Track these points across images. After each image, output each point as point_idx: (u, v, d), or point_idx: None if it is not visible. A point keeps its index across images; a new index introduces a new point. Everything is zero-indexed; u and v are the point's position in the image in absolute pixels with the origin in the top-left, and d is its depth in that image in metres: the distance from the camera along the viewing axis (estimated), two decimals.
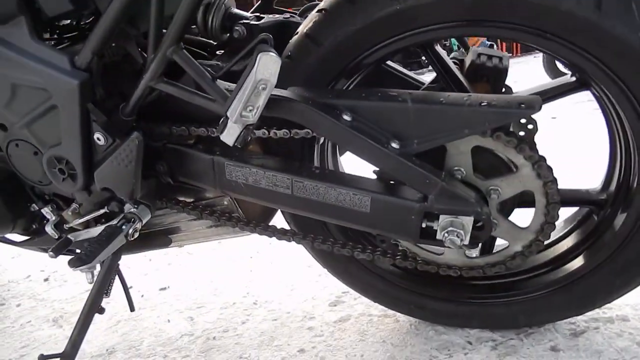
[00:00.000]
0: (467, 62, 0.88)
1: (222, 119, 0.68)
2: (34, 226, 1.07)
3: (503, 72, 0.86)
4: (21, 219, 1.04)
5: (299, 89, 0.75)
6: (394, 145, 0.72)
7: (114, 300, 1.40)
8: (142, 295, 1.42)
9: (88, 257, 0.83)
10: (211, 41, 0.98)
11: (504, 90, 0.87)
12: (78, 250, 0.99)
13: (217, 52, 0.99)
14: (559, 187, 0.76)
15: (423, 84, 0.96)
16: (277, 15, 1.01)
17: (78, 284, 1.60)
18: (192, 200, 0.98)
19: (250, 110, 0.65)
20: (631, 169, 0.80)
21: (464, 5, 0.67)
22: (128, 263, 1.68)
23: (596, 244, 0.84)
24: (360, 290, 1.03)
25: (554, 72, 5.00)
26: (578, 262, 0.86)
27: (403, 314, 1.04)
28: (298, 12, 1.05)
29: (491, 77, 0.86)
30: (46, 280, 1.67)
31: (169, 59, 0.70)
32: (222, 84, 0.72)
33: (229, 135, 0.67)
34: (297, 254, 1.56)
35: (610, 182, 0.86)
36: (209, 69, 0.71)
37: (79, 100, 0.81)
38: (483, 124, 0.69)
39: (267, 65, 0.62)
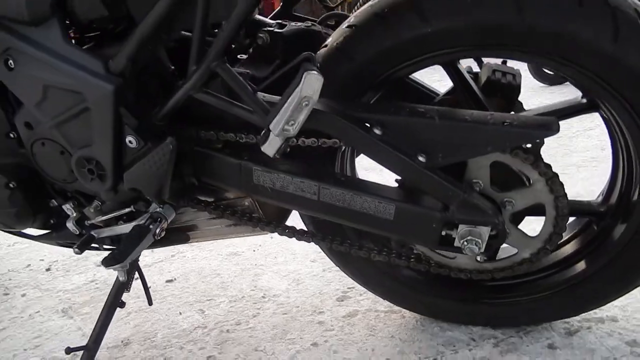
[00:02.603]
0: (483, 77, 0.93)
1: (264, 131, 0.72)
2: (52, 221, 1.09)
3: (516, 89, 0.92)
4: (40, 214, 1.06)
5: (330, 101, 0.79)
6: (421, 158, 0.77)
7: (131, 294, 1.44)
8: (149, 287, 1.45)
9: (121, 256, 0.86)
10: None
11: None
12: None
13: (238, 57, 1.02)
14: None
15: (438, 94, 1.01)
16: (298, 23, 1.04)
17: (81, 274, 1.62)
18: (213, 200, 1.02)
19: (292, 125, 0.69)
20: (632, 183, 0.87)
21: (491, 31, 0.72)
22: None
23: (595, 252, 0.92)
24: (380, 293, 1.09)
25: (542, 77, 5.14)
26: (578, 267, 0.94)
27: (414, 312, 1.10)
28: (318, 20, 1.08)
29: (506, 93, 0.91)
30: (48, 270, 1.68)
31: (212, 71, 0.73)
32: (260, 95, 0.75)
33: (271, 147, 0.71)
34: (299, 249, 1.61)
35: (611, 195, 0.93)
36: (249, 82, 0.75)
37: (113, 105, 0.83)
38: (505, 143, 0.74)
39: (311, 84, 0.66)
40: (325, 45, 0.86)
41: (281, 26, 1.00)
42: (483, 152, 0.76)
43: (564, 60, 0.72)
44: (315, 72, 0.66)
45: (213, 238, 1.12)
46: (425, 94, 1.02)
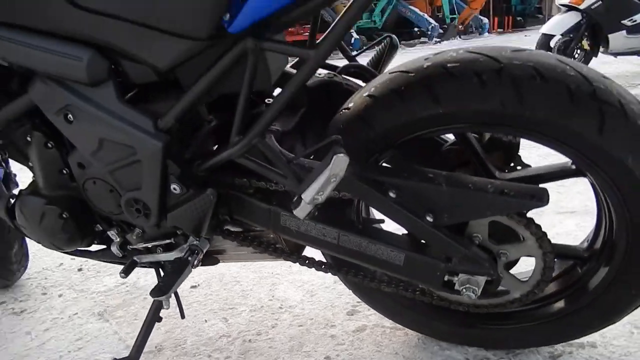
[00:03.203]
0: (486, 134, 1.04)
1: (296, 198, 0.84)
2: (95, 242, 1.22)
3: (516, 146, 1.03)
4: (88, 238, 1.19)
5: (353, 164, 0.90)
6: (429, 218, 0.89)
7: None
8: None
9: (166, 288, 0.99)
10: None
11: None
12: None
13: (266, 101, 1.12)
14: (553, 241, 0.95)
15: (446, 141, 1.12)
16: (321, 74, 1.15)
17: (111, 275, 1.76)
18: (242, 231, 1.14)
19: (321, 195, 0.81)
20: (613, 234, 0.99)
21: (496, 116, 0.83)
22: None
23: (578, 292, 1.04)
24: (390, 316, 1.22)
25: None
26: (561, 304, 1.06)
27: (420, 333, 1.24)
28: (337, 70, 1.18)
29: (506, 149, 1.03)
30: (80, 270, 1.83)
31: (253, 145, 0.85)
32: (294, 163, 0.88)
33: (302, 212, 0.83)
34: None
35: (595, 241, 1.05)
36: (285, 152, 0.87)
37: (161, 158, 0.95)
38: (502, 210, 0.86)
39: (339, 164, 0.78)
40: (348, 108, 0.97)
41: None
42: (483, 216, 0.88)
43: (557, 141, 0.83)
44: (342, 154, 0.78)
45: (239, 261, 1.25)
46: (434, 141, 1.13)
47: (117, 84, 0.94)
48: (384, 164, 1.02)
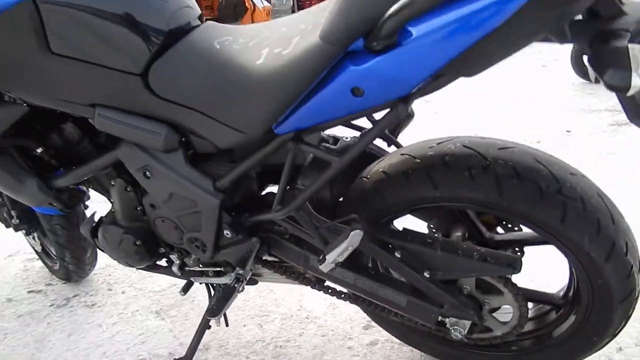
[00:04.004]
0: None
1: (321, 256, 1.08)
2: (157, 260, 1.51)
3: None
4: (154, 258, 1.47)
5: (366, 225, 1.13)
6: (426, 274, 1.12)
7: (203, 302, 1.87)
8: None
9: (218, 310, 1.26)
10: None
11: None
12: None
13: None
14: (535, 288, 1.17)
15: None
16: (347, 137, 1.37)
17: (164, 276, 2.06)
18: (278, 261, 1.40)
19: (340, 257, 1.05)
20: (580, 288, 1.19)
21: (481, 202, 1.05)
22: None
23: (552, 333, 1.26)
24: (397, 336, 1.47)
25: (583, 72, 5.18)
26: (541, 339, 1.29)
27: (421, 351, 1.49)
28: (361, 133, 1.40)
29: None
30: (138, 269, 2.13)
31: (291, 215, 1.10)
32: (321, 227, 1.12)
33: (326, 268, 1.08)
34: None
35: (568, 292, 1.26)
36: (315, 217, 1.11)
37: (218, 212, 1.21)
38: (484, 273, 1.09)
39: (355, 238, 1.02)
40: (367, 177, 1.19)
41: (335, 141, 1.34)
42: (469, 276, 1.11)
43: (530, 223, 1.05)
44: (358, 230, 1.02)
45: (274, 282, 1.52)
46: None
47: (186, 151, 1.20)
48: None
